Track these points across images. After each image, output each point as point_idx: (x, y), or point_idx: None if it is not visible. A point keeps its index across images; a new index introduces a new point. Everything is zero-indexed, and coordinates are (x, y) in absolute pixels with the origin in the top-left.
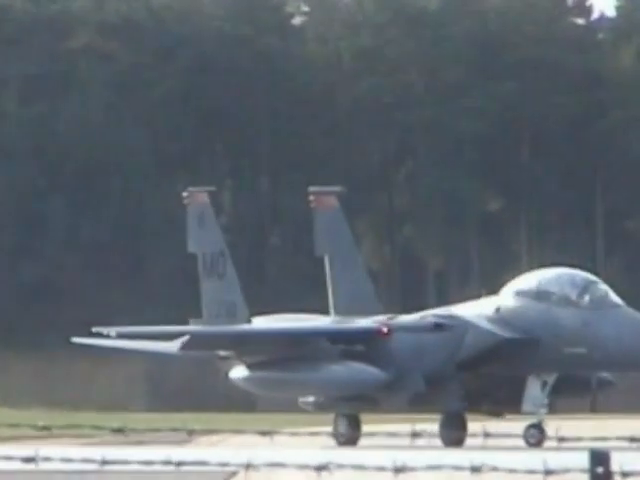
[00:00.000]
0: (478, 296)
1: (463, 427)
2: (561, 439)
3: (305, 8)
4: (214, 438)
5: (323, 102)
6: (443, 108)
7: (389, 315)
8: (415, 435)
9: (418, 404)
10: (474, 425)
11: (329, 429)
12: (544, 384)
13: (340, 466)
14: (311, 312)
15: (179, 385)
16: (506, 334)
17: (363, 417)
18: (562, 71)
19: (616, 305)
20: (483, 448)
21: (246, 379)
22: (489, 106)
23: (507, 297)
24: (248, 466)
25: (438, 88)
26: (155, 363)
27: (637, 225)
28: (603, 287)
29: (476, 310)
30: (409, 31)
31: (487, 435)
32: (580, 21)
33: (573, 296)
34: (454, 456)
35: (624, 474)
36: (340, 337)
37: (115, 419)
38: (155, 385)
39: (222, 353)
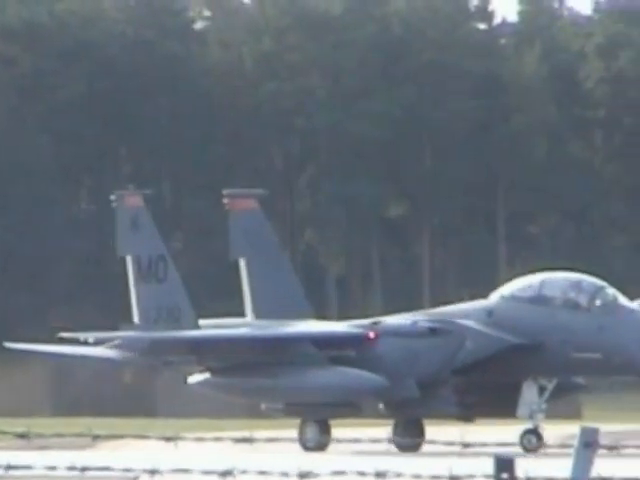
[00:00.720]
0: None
1: (420, 433)
2: (466, 445)
3: (207, 13)
4: (118, 443)
5: (225, 106)
6: (345, 113)
7: (374, 319)
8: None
9: (410, 410)
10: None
11: (234, 434)
12: (542, 389)
13: (244, 471)
14: (223, 316)
15: (83, 390)
16: (511, 339)
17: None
18: (464, 76)
19: (630, 310)
20: (387, 453)
21: (218, 385)
22: (391, 111)
23: (501, 302)
24: (152, 472)
25: (340, 93)
26: (59, 368)
27: (539, 229)
28: (612, 291)
29: (466, 314)
30: (311, 36)
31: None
32: (482, 26)
33: (582, 301)
34: (359, 462)
35: (528, 479)
36: (326, 342)
37: (19, 424)
38: (60, 390)
39: (171, 359)
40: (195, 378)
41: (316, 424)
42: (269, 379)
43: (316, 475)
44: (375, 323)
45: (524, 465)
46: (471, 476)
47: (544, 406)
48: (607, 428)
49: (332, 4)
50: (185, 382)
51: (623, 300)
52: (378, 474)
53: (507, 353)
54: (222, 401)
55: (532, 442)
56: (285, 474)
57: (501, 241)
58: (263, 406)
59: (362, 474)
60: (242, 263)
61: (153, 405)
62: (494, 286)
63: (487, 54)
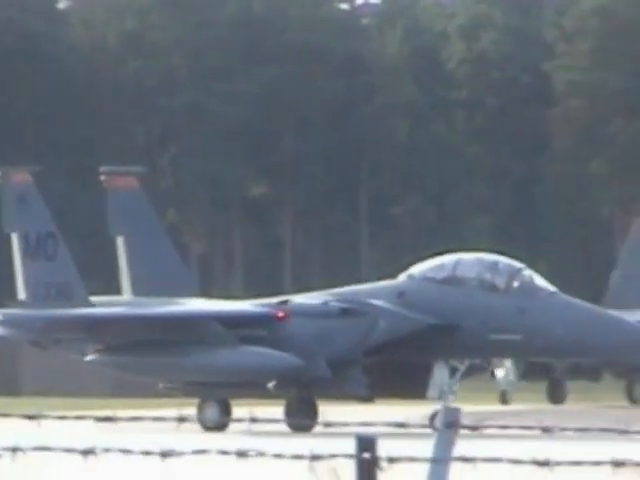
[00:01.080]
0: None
1: (314, 415)
2: (327, 424)
3: None
4: None
5: (87, 85)
6: (207, 92)
7: (282, 298)
8: (181, 420)
9: (321, 391)
10: (240, 410)
11: (96, 413)
12: (454, 370)
13: (106, 450)
14: (96, 294)
15: None
16: (426, 320)
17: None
18: (327, 56)
19: (549, 291)
20: (249, 433)
21: (116, 363)
22: (253, 90)
23: (411, 282)
24: (14, 450)
25: (202, 72)
26: None
27: (401, 210)
28: (529, 273)
29: (376, 295)
30: (173, 15)
31: (253, 420)
32: (344, 6)
33: (499, 282)
34: (220, 441)
35: (390, 459)
36: (233, 321)
37: None
38: None
39: (63, 337)
40: (92, 356)
41: (217, 404)
42: (172, 357)
43: (179, 453)
44: (283, 302)
45: (386, 445)
46: (333, 455)
47: (455, 387)
48: (473, 409)
49: None
50: (80, 359)
51: (541, 282)
52: (239, 453)
53: (421, 334)
54: (117, 380)
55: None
56: (148, 452)
57: (363, 222)
58: (161, 385)
59: (224, 453)
60: (120, 241)
61: (17, 383)
62: (356, 266)
63: (349, 34)
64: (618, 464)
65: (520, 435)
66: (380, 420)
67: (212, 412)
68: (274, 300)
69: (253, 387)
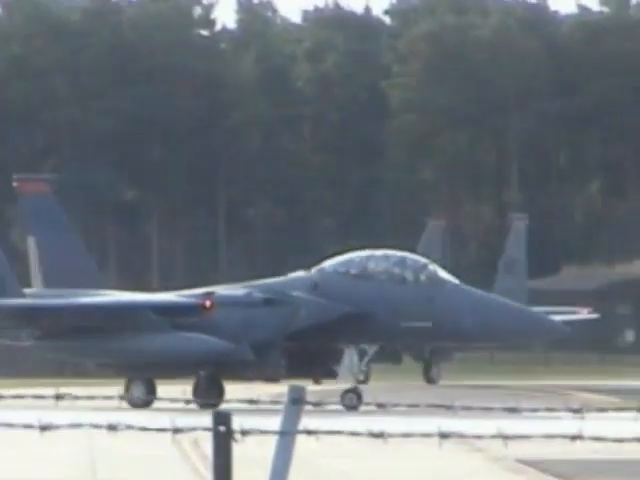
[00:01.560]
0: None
1: (219, 393)
2: (188, 402)
3: None
4: None
5: None
6: (85, 109)
7: (207, 290)
8: (59, 397)
9: (244, 372)
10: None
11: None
12: (363, 353)
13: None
14: None
15: None
16: (343, 308)
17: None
18: (189, 76)
19: (454, 283)
20: (119, 409)
21: (60, 348)
22: (125, 107)
23: (325, 275)
24: None
25: (80, 91)
26: None
27: (254, 213)
28: (434, 267)
29: (293, 287)
30: (54, 41)
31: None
32: (205, 32)
33: (408, 275)
34: (92, 416)
35: (243, 432)
36: (166, 310)
37: None
38: None
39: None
40: (31, 342)
41: (143, 383)
42: (112, 342)
43: (57, 426)
44: (209, 293)
45: (240, 420)
46: (193, 428)
47: (365, 369)
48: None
49: (72, 12)
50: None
51: (445, 274)
52: (110, 427)
53: (337, 321)
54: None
55: (353, 401)
56: (29, 426)
57: (221, 223)
58: (92, 365)
59: (96, 426)
60: (32, 242)
61: None
62: (215, 263)
63: (209, 57)
64: (444, 436)
65: (360, 410)
66: (234, 398)
67: (138, 390)
68: (199, 291)
69: (181, 368)
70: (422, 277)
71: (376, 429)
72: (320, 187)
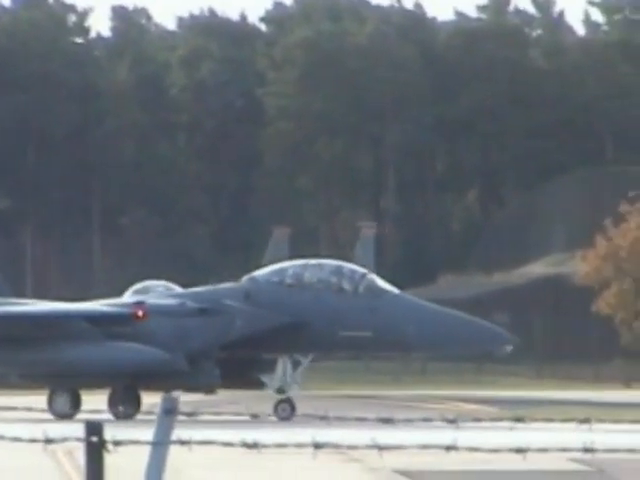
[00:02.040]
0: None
1: (137, 404)
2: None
3: None
4: None
5: None
6: None
7: (136, 299)
8: None
9: (179, 382)
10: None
11: None
12: (297, 364)
13: None
14: None
15: None
16: (278, 318)
17: None
18: (64, 84)
19: (394, 293)
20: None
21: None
22: (0, 116)
23: (256, 285)
24: None
25: None
26: None
27: (128, 221)
28: (372, 277)
29: (224, 296)
30: None
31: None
32: (79, 39)
33: (346, 285)
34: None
35: (116, 442)
36: (98, 320)
37: None
38: None
39: None
40: None
41: (66, 394)
42: (42, 353)
43: None
44: (139, 303)
45: (112, 430)
46: (65, 439)
47: (299, 379)
48: (191, 398)
49: None
50: None
51: (384, 284)
52: (15, 439)
53: (273, 331)
54: None
55: (286, 411)
56: None
57: (95, 232)
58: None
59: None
60: None
61: None
62: (89, 270)
63: (84, 64)
64: (318, 446)
65: (233, 420)
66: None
67: (61, 403)
68: (128, 301)
69: (114, 378)
70: (360, 287)
71: (250, 439)
72: (195, 194)
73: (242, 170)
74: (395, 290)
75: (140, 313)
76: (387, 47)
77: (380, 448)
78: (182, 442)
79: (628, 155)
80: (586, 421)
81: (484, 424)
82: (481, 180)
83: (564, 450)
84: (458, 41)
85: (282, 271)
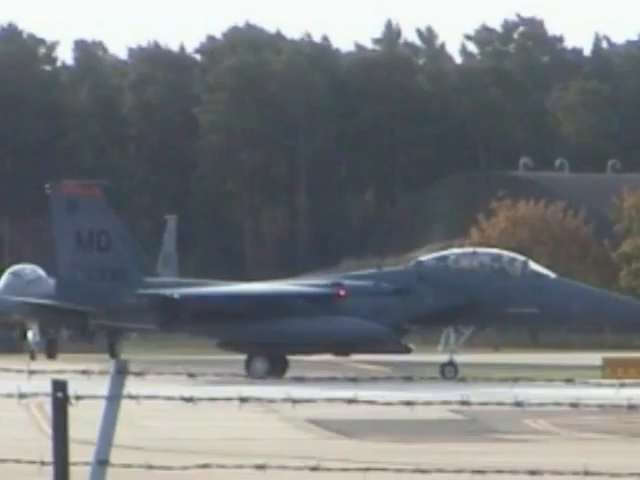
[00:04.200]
0: None
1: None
2: (32, 372)
3: None
4: None
5: None
6: None
7: (335, 280)
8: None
9: (381, 349)
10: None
11: None
12: (459, 333)
13: None
14: None
15: None
16: (457, 297)
17: None
18: (35, 104)
19: (552, 276)
20: None
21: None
22: None
23: (425, 269)
24: None
25: None
26: None
27: None
28: (531, 262)
29: (402, 277)
30: None
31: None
32: (48, 67)
33: (510, 269)
34: None
35: (77, 397)
36: (312, 298)
37: None
38: None
39: None
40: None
41: (267, 360)
42: (270, 325)
43: None
44: (337, 284)
45: (75, 386)
46: (36, 394)
47: (461, 346)
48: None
49: None
50: None
51: (542, 269)
52: None
53: (453, 308)
54: None
55: (451, 372)
56: None
57: None
58: None
59: None
60: None
61: None
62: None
63: (51, 88)
64: (243, 400)
65: (174, 379)
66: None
67: (262, 366)
68: (329, 282)
69: (341, 346)
70: (524, 270)
71: (187, 394)
72: (142, 196)
73: (181, 175)
74: (552, 274)
75: (342, 292)
76: (300, 73)
77: (294, 401)
78: (131, 397)
79: (497, 162)
80: (462, 380)
81: (379, 382)
82: (376, 183)
83: (445, 403)
84: (358, 68)
85: (445, 257)
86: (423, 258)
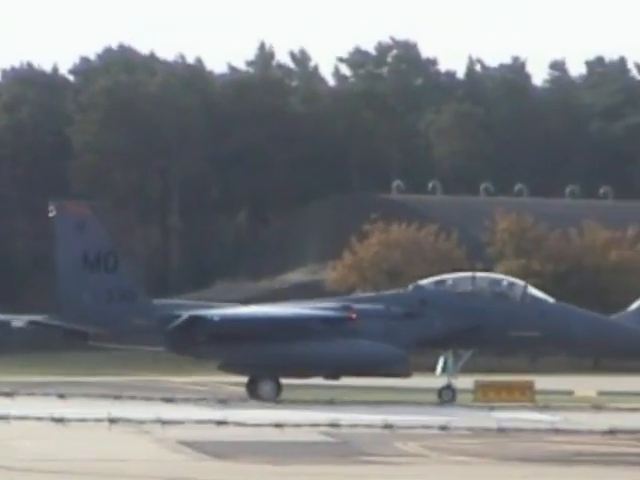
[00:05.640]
0: None
1: None
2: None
3: None
4: None
5: None
6: None
7: (344, 304)
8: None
9: (391, 372)
10: None
11: None
12: (458, 357)
13: None
14: None
15: None
16: (462, 321)
17: None
18: None
19: (551, 300)
20: None
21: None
22: None
23: (426, 293)
24: None
25: None
26: None
27: None
28: (530, 287)
29: (404, 301)
30: None
31: None
32: None
33: (511, 293)
34: None
35: None
36: (327, 321)
37: None
38: None
39: None
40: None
41: (273, 382)
42: (292, 347)
43: None
44: (348, 307)
45: None
46: None
47: (459, 369)
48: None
49: None
50: None
51: (541, 294)
52: None
53: (459, 331)
54: None
55: (448, 395)
56: None
57: None
58: None
59: None
60: None
61: None
62: None
63: None
64: (113, 421)
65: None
66: None
67: (269, 388)
68: (338, 305)
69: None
70: (525, 295)
71: (57, 415)
72: (17, 216)
73: (53, 195)
74: (551, 299)
75: (353, 316)
76: (173, 95)
77: (164, 422)
78: (1, 417)
79: (370, 184)
80: (331, 402)
81: (250, 403)
82: (249, 203)
83: (314, 425)
84: (231, 90)
85: (443, 282)
86: (422, 282)
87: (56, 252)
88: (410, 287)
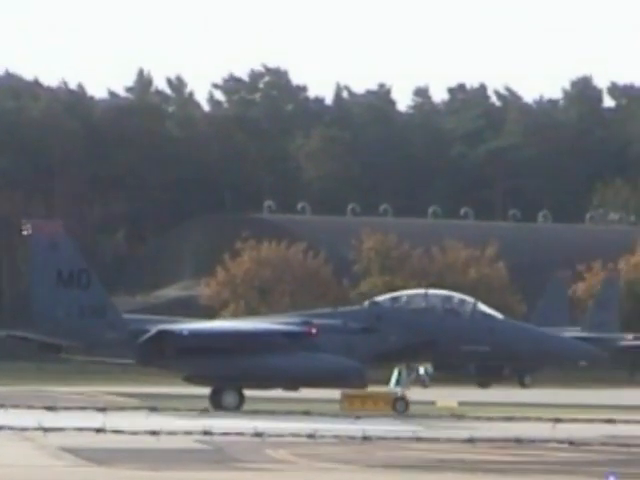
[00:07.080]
0: None
1: None
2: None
3: None
4: None
5: None
6: None
7: (304, 319)
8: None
9: (350, 384)
10: None
11: None
12: (410, 370)
13: None
14: None
15: None
16: (416, 336)
17: None
18: None
19: (500, 317)
20: None
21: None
22: None
23: (381, 309)
24: None
25: None
26: None
27: None
28: (480, 304)
29: (360, 317)
30: None
31: None
32: None
33: (461, 309)
34: None
35: None
36: (290, 335)
37: None
38: None
39: None
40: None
41: (235, 392)
42: (253, 360)
43: None
44: (308, 322)
45: None
46: None
47: (410, 383)
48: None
49: None
50: None
51: (489, 310)
52: None
53: (412, 346)
54: None
55: (402, 407)
56: None
57: None
58: None
59: None
60: None
61: None
62: None
63: None
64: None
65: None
66: None
67: (231, 399)
68: (297, 320)
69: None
70: (474, 311)
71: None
72: None
73: None
74: (499, 315)
75: (314, 331)
76: (56, 119)
77: (45, 430)
78: None
79: (242, 204)
80: (205, 411)
81: (128, 412)
82: (128, 223)
83: (189, 433)
84: (111, 114)
85: (398, 298)
86: (378, 299)
87: (31, 269)
88: (366, 303)
